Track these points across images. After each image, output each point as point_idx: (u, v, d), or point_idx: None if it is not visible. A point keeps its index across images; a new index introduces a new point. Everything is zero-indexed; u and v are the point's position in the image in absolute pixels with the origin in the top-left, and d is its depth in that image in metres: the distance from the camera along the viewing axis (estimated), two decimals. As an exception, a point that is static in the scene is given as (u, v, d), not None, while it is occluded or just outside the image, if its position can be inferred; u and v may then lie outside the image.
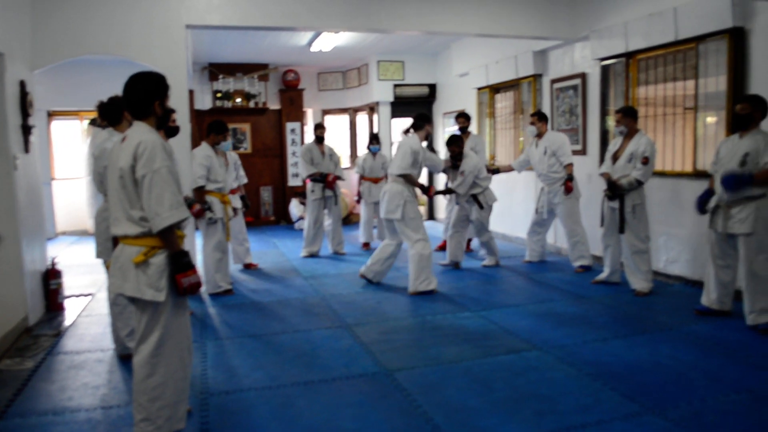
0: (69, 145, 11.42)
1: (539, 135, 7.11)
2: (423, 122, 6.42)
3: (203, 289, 6.32)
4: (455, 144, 7.26)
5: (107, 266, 4.29)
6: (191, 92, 10.48)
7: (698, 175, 5.95)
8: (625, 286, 6.06)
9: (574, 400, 3.55)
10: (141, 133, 2.84)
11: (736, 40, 5.50)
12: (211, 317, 5.54)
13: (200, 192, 6.07)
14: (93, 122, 5.01)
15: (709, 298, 5.07)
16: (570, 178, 6.87)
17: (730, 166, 4.67)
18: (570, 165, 6.91)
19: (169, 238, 2.82)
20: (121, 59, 6.11)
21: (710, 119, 6.00)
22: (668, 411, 3.36)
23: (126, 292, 2.86)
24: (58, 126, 11.32)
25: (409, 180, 6.29)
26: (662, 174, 6.38)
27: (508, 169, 7.76)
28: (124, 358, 4.29)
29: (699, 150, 6.03)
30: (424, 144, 6.50)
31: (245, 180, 7.70)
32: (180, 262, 2.84)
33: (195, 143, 6.75)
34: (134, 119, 2.95)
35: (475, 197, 7.20)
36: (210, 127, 6.41)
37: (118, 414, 3.49)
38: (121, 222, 2.86)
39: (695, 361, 4.11)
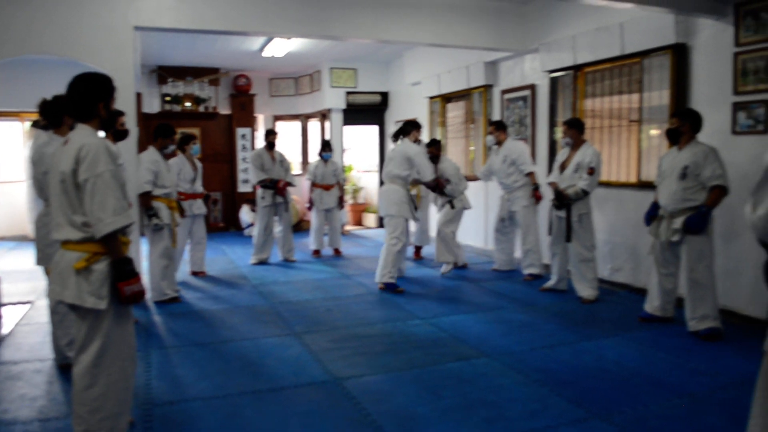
0: (9, 147, 11.00)
1: (498, 143, 7.19)
2: (411, 128, 6.71)
3: (148, 297, 6.16)
4: (434, 146, 7.48)
5: (48, 273, 4.13)
6: (139, 95, 10.18)
7: (642, 185, 6.12)
8: (572, 293, 6.16)
9: (522, 406, 3.58)
10: (84, 136, 2.75)
11: (679, 55, 5.68)
12: (156, 325, 5.39)
13: (146, 197, 5.92)
14: (35, 124, 4.80)
15: (652, 305, 5.20)
16: (536, 188, 6.94)
17: (672, 178, 4.83)
18: (532, 173, 6.97)
19: (112, 245, 2.73)
20: (67, 60, 5.92)
21: (654, 132, 6.19)
22: (613, 416, 3.42)
23: (66, 299, 2.75)
24: (-2, 127, 10.91)
25: (414, 182, 6.79)
26: (608, 184, 6.54)
27: (474, 178, 7.88)
28: (64, 368, 4.13)
29: (643, 161, 6.21)
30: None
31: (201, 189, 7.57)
32: (123, 270, 2.74)
33: (143, 147, 6.59)
34: (77, 121, 2.84)
35: (450, 202, 7.32)
36: (157, 130, 6.26)
37: (57, 426, 3.35)
38: (62, 227, 2.76)
39: (639, 367, 4.20)
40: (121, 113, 5.15)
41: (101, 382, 2.76)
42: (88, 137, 2.75)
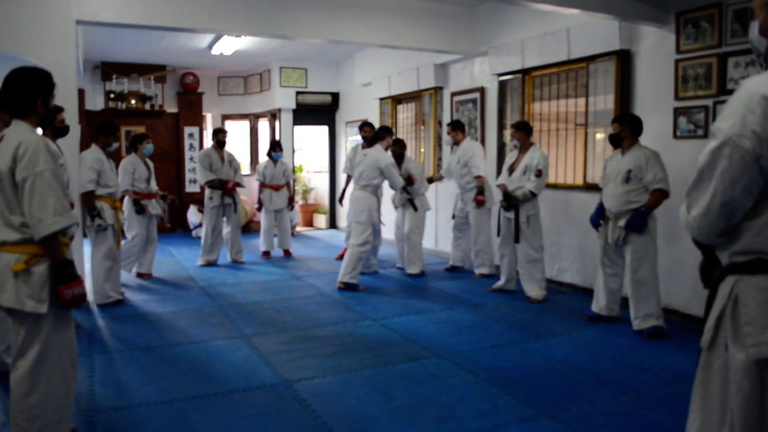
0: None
1: (456, 143, 7.23)
2: (386, 134, 6.88)
3: (91, 300, 5.97)
4: (398, 145, 7.48)
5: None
6: (82, 92, 9.90)
7: (588, 187, 6.26)
8: (521, 293, 6.26)
9: (472, 405, 3.60)
10: (21, 133, 2.65)
11: (623, 61, 5.84)
12: (99, 329, 5.23)
13: (89, 197, 5.74)
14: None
15: (598, 305, 5.32)
16: (480, 191, 6.95)
17: (617, 182, 4.97)
18: (480, 177, 7.00)
19: (52, 246, 2.64)
20: (5, 54, 5.67)
21: (599, 135, 6.35)
22: (561, 413, 3.48)
23: (3, 302, 2.64)
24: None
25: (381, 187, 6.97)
26: (555, 186, 6.67)
27: (439, 177, 7.90)
28: (1, 374, 3.95)
29: (589, 164, 6.35)
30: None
31: (155, 188, 7.41)
32: (63, 273, 2.65)
33: (86, 145, 6.39)
34: (13, 118, 2.73)
35: (411, 201, 7.35)
36: (99, 128, 6.07)
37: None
38: (1, 228, 2.66)
39: (585, 365, 4.29)
40: (60, 109, 4.97)
41: (40, 389, 2.65)
42: (26, 134, 2.64)
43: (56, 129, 4.98)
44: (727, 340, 1.75)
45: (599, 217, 5.19)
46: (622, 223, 4.96)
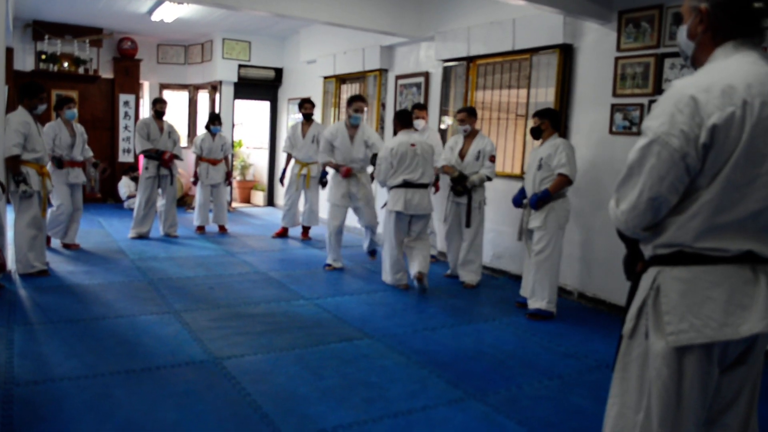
0: None
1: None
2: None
3: (13, 269, 5.72)
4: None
5: None
6: (10, 50, 9.41)
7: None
8: (455, 278, 6.34)
9: (402, 387, 3.64)
10: None
11: (565, 55, 5.95)
12: (21, 300, 5.02)
13: (14, 161, 5.48)
14: None
15: (526, 290, 5.45)
16: (437, 179, 6.86)
17: (532, 170, 5.20)
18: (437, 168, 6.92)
19: None
20: None
21: (538, 126, 6.46)
22: (488, 396, 3.56)
23: None
24: None
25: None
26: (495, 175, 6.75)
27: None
28: None
29: (527, 154, 6.47)
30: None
31: (90, 153, 7.11)
32: None
33: (12, 107, 6.08)
34: None
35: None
36: (22, 90, 5.78)
37: None
38: None
39: (514, 350, 4.40)
40: None
41: None
42: None
43: None
44: (648, 329, 1.83)
45: (522, 197, 5.37)
46: (534, 210, 5.19)
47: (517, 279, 6.38)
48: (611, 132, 5.52)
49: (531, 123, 5.70)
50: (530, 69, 6.37)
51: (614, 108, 5.48)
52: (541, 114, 5.26)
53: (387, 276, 6.10)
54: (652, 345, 1.81)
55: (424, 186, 5.83)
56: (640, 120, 5.27)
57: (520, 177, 6.48)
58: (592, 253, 5.68)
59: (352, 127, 6.66)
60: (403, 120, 5.95)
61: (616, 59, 5.46)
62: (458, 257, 6.37)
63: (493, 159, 5.98)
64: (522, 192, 5.40)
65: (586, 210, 5.70)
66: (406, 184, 5.73)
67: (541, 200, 5.08)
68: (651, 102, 5.19)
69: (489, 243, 6.78)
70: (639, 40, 5.28)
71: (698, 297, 1.74)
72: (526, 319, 5.14)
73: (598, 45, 5.69)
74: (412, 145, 5.74)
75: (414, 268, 5.84)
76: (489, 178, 6.03)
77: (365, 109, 6.80)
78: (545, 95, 6.21)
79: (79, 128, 7.02)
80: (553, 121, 5.22)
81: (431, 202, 5.98)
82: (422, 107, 6.95)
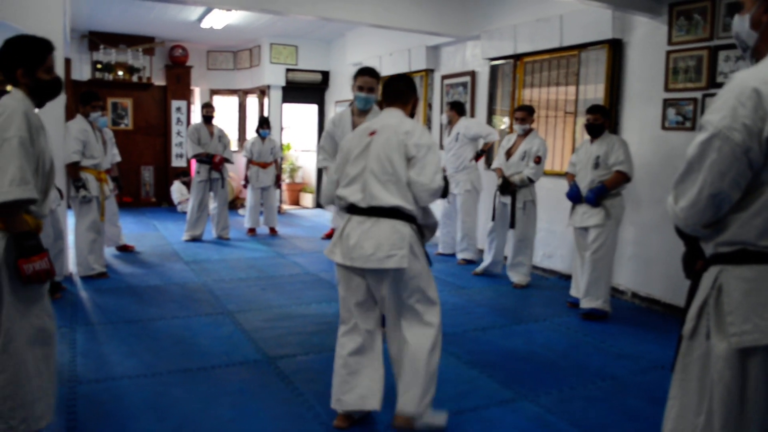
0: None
1: (450, 123, 7.17)
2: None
3: (74, 272, 5.93)
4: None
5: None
6: (68, 61, 9.77)
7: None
8: (505, 278, 6.29)
9: (452, 387, 3.63)
10: (8, 99, 2.52)
11: (615, 50, 5.84)
12: (82, 301, 5.21)
13: (74, 168, 5.69)
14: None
15: (577, 289, 5.36)
16: (480, 154, 6.97)
17: (587, 169, 5.10)
18: (488, 143, 6.97)
19: (11, 218, 2.45)
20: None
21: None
22: (540, 397, 3.52)
23: None
24: None
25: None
26: (544, 173, 6.67)
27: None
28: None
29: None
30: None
31: (118, 158, 7.27)
32: (23, 246, 2.45)
33: (71, 116, 6.31)
34: (12, 86, 2.62)
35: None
36: (80, 98, 6.00)
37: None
38: None
39: (566, 350, 4.34)
40: (56, 80, 4.84)
41: (10, 370, 2.49)
42: (11, 100, 2.52)
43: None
44: (710, 330, 1.78)
45: (578, 192, 5.20)
46: (588, 207, 5.10)
47: (568, 279, 6.29)
48: (664, 128, 5.39)
49: (583, 120, 5.63)
50: (578, 65, 6.27)
51: (666, 103, 5.35)
52: (603, 111, 5.16)
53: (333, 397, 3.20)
54: (714, 346, 1.76)
55: (384, 213, 2.94)
56: (694, 114, 5.14)
57: (564, 175, 6.38)
58: (646, 252, 5.56)
59: (360, 113, 4.46)
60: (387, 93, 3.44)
61: (668, 53, 5.33)
62: (500, 255, 6.35)
63: (538, 160, 5.86)
64: (576, 186, 5.26)
65: (640, 207, 5.58)
66: (351, 209, 3.06)
67: (599, 196, 4.99)
68: (705, 96, 5.05)
69: (539, 242, 6.70)
70: (691, 33, 5.14)
71: (763, 297, 1.69)
72: (578, 319, 5.07)
73: (648, 39, 5.57)
74: (371, 133, 3.08)
75: (398, 401, 3.02)
76: (531, 180, 5.91)
77: (377, 87, 4.37)
78: (594, 92, 6.11)
79: (108, 133, 7.04)
80: (609, 119, 5.12)
81: (407, 243, 2.93)
82: (448, 104, 7.17)
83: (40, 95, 2.63)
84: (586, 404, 3.47)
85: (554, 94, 6.76)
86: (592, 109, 5.16)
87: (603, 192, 4.99)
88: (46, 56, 2.63)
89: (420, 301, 3.04)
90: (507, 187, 5.98)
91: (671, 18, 5.30)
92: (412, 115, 3.36)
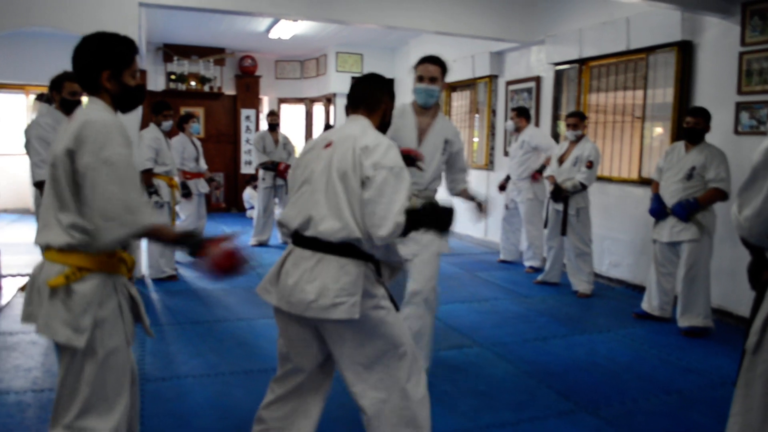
0: (12, 120, 11.00)
1: (518, 130, 7.13)
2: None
3: (146, 274, 6.19)
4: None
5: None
6: (144, 73, 10.22)
7: (643, 182, 6.12)
8: (567, 287, 6.17)
9: (510, 396, 3.60)
10: (91, 111, 2.06)
11: (684, 53, 5.66)
12: (153, 302, 5.43)
13: (147, 175, 5.94)
14: (40, 97, 4.77)
15: (650, 303, 5.19)
16: (540, 171, 6.87)
17: (677, 178, 4.83)
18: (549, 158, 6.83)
19: (155, 235, 2.10)
20: (72, 34, 5.89)
21: (657, 129, 6.18)
22: (601, 410, 3.44)
23: (37, 327, 2.03)
24: (2, 99, 10.88)
25: None
26: (609, 180, 6.53)
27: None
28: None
29: (645, 158, 6.20)
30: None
31: (205, 166, 7.54)
32: (190, 243, 2.09)
33: (146, 125, 6.59)
34: (88, 95, 2.16)
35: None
36: (152, 108, 6.27)
37: (50, 397, 3.37)
38: (49, 228, 2.05)
39: (630, 363, 4.22)
40: (140, 88, 5.00)
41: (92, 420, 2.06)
42: (96, 112, 2.06)
43: (63, 101, 4.34)
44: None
45: (662, 207, 4.95)
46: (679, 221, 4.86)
47: (634, 289, 6.12)
48: (736, 132, 5.18)
49: (652, 124, 5.48)
50: (646, 69, 6.10)
51: (739, 106, 5.14)
52: (699, 112, 4.83)
53: None
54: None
55: (332, 248, 2.34)
56: (770, 119, 4.92)
57: (637, 182, 6.21)
58: (717, 263, 5.33)
59: (421, 110, 3.94)
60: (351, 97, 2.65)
61: (741, 54, 5.12)
62: (558, 263, 6.26)
63: (590, 165, 5.72)
64: (659, 200, 5.03)
65: (712, 214, 5.37)
66: (294, 238, 2.49)
67: (690, 213, 4.74)
68: (782, 99, 4.83)
69: (605, 251, 6.55)
70: (766, 33, 4.92)
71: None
72: (644, 331, 4.92)
73: (719, 40, 5.37)
74: (327, 145, 2.43)
75: None
76: (583, 186, 5.77)
77: (442, 79, 3.94)
78: (663, 96, 5.93)
79: (197, 142, 7.43)
80: (708, 124, 4.81)
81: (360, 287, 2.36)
82: (513, 110, 7.20)
83: (125, 103, 2.21)
84: (648, 418, 3.37)
85: (621, 99, 6.59)
86: (694, 112, 4.86)
87: (695, 209, 4.73)
88: (133, 57, 2.22)
89: (378, 360, 2.46)
90: (559, 193, 5.88)
91: (744, 18, 5.09)
92: (384, 125, 2.60)
